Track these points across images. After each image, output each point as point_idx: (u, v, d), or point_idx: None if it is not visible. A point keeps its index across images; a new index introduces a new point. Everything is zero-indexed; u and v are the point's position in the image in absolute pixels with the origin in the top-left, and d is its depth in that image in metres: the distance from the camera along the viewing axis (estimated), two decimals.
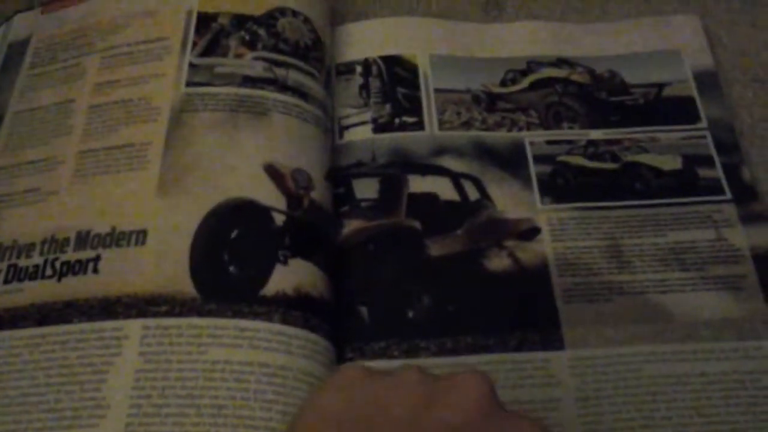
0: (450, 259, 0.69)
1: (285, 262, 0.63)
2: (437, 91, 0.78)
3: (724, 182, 0.72)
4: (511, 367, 0.63)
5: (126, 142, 0.69)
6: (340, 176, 0.73)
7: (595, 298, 0.66)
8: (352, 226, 0.70)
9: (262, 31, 0.75)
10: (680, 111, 0.77)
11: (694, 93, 0.77)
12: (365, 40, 0.82)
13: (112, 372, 0.58)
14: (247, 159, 0.67)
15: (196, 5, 0.77)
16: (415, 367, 0.44)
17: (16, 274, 0.64)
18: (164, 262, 0.62)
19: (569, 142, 0.75)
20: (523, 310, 0.66)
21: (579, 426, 0.60)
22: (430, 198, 0.72)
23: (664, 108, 0.77)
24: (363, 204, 0.72)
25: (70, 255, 0.64)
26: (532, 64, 0.80)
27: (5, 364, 0.60)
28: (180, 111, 0.70)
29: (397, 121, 0.76)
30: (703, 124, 0.75)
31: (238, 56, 0.74)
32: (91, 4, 0.81)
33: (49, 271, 0.64)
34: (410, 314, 0.66)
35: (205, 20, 0.76)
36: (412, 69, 0.80)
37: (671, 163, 0.73)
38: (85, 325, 0.60)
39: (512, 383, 0.62)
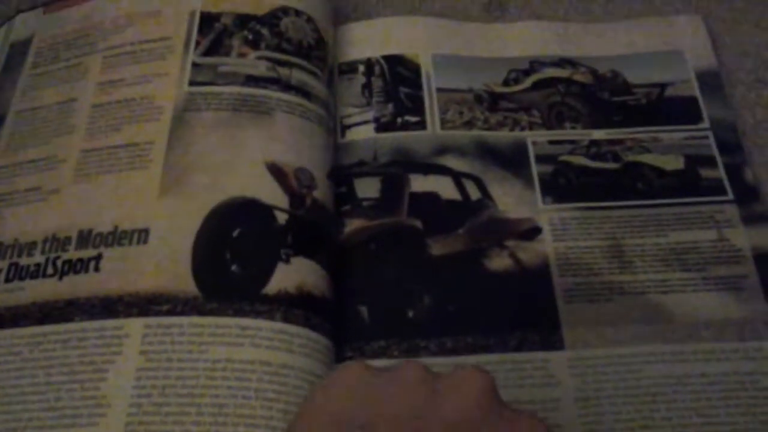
0: (451, 258, 0.69)
1: (287, 261, 0.63)
2: (439, 90, 0.78)
3: (726, 183, 0.72)
4: (511, 367, 0.63)
5: (128, 142, 0.70)
6: (341, 175, 0.73)
7: (595, 298, 0.66)
8: (353, 225, 0.70)
9: (265, 31, 0.75)
10: (683, 111, 0.76)
11: (697, 93, 0.77)
12: (368, 39, 0.82)
13: (113, 371, 0.58)
14: (250, 158, 0.67)
15: (199, 5, 0.77)
16: (415, 363, 0.44)
17: (18, 273, 0.64)
18: (166, 261, 0.62)
19: (571, 142, 0.75)
20: (524, 310, 0.66)
21: (579, 426, 0.60)
22: (432, 197, 0.72)
23: (667, 108, 0.77)
24: (365, 203, 0.72)
25: (72, 254, 0.64)
26: (535, 64, 0.80)
27: (6, 362, 0.60)
28: (183, 110, 0.70)
29: (399, 120, 0.76)
30: (706, 124, 0.75)
31: (241, 56, 0.74)
32: (93, 4, 0.81)
33: (50, 270, 0.64)
34: (410, 314, 0.66)
35: (208, 20, 0.76)
36: (414, 68, 0.80)
37: (673, 163, 0.73)
38: (86, 324, 0.60)
39: (512, 383, 0.62)
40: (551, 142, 0.75)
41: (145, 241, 0.63)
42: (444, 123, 0.76)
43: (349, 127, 0.77)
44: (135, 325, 0.60)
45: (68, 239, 0.65)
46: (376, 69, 0.80)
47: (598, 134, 0.75)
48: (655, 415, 0.60)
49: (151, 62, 0.75)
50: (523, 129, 0.76)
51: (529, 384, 0.62)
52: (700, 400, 0.61)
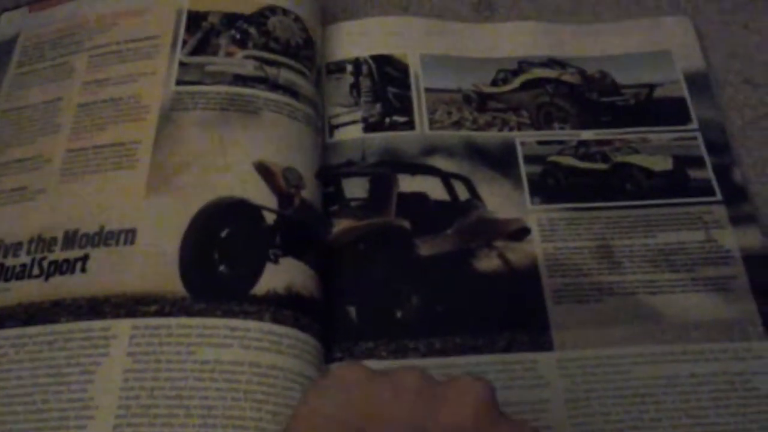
0: (439, 259, 0.68)
1: (276, 261, 0.62)
2: (428, 90, 0.78)
3: (715, 183, 0.72)
4: (500, 368, 0.63)
5: (115, 141, 0.69)
6: (330, 175, 0.72)
7: (584, 299, 0.66)
8: (341, 225, 0.70)
9: (252, 30, 0.75)
10: (671, 112, 0.77)
11: (685, 94, 0.77)
12: (356, 39, 0.82)
13: (100, 372, 0.57)
14: (238, 158, 0.67)
15: (187, 4, 0.77)
16: (415, 369, 0.44)
17: (3, 274, 0.64)
18: (154, 262, 0.62)
19: (560, 142, 0.75)
20: (513, 311, 0.66)
21: (568, 427, 0.60)
22: (420, 198, 0.72)
23: (655, 109, 0.77)
24: (353, 203, 0.71)
25: (58, 254, 0.64)
26: (524, 65, 0.80)
27: None
28: (170, 109, 0.70)
29: (387, 120, 0.76)
30: (694, 125, 0.75)
31: (229, 55, 0.73)
32: (78, 2, 0.81)
33: (36, 271, 0.63)
34: (399, 314, 0.66)
35: (195, 19, 0.76)
36: (402, 68, 0.79)
37: (662, 163, 0.73)
38: (73, 325, 0.60)
39: (501, 384, 0.62)
40: (540, 143, 0.75)
41: (132, 242, 0.63)
42: (432, 123, 0.76)
43: (337, 126, 0.76)
44: (122, 326, 0.59)
45: (54, 240, 0.64)
46: (364, 69, 0.79)
47: (587, 135, 0.75)
48: (645, 416, 0.60)
49: (137, 61, 0.74)
50: (511, 129, 0.76)
51: (519, 385, 0.62)
52: (689, 400, 0.61)
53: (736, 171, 0.72)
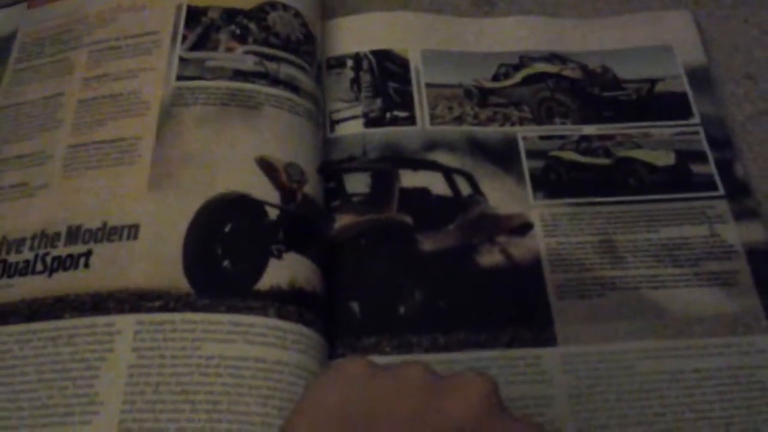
0: (442, 254, 0.68)
1: (279, 257, 0.62)
2: (429, 85, 0.78)
3: (717, 178, 0.72)
4: (503, 364, 0.63)
5: (116, 137, 0.69)
6: (331, 170, 0.72)
7: (587, 294, 0.66)
8: (343, 220, 0.70)
9: (252, 25, 0.75)
10: (673, 106, 0.77)
11: (687, 89, 0.77)
12: (356, 34, 0.82)
13: (105, 368, 0.57)
14: (240, 153, 0.67)
15: None
16: (418, 363, 0.44)
17: (6, 270, 0.64)
18: (157, 257, 0.62)
19: (562, 137, 0.75)
20: (516, 306, 0.66)
21: (572, 423, 0.60)
22: (422, 193, 0.72)
23: (657, 103, 0.77)
24: (354, 198, 0.71)
25: (61, 250, 0.64)
26: (525, 59, 0.80)
27: None
28: (170, 105, 0.70)
29: (388, 115, 0.76)
30: (696, 119, 0.75)
31: (229, 50, 0.73)
32: None
33: (39, 267, 0.63)
34: (402, 310, 0.65)
35: (194, 14, 0.76)
36: (403, 63, 0.79)
37: (664, 158, 0.73)
38: (77, 321, 0.60)
39: (504, 380, 0.62)
40: (541, 138, 0.75)
41: (135, 237, 0.63)
42: (433, 118, 0.76)
43: (338, 122, 0.76)
44: (126, 321, 0.59)
45: (57, 235, 0.64)
46: (365, 64, 0.79)
47: (589, 129, 0.75)
48: (648, 411, 0.60)
49: (137, 57, 0.74)
50: (513, 124, 0.76)
51: (522, 380, 0.62)
52: (693, 395, 0.61)
53: (738, 166, 0.72)
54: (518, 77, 0.79)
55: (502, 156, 0.74)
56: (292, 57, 0.74)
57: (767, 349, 0.63)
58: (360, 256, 0.68)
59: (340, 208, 0.70)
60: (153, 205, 0.64)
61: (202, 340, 0.58)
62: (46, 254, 0.64)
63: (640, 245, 0.68)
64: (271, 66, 0.73)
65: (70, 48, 0.77)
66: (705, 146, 0.74)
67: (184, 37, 0.74)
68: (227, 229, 0.64)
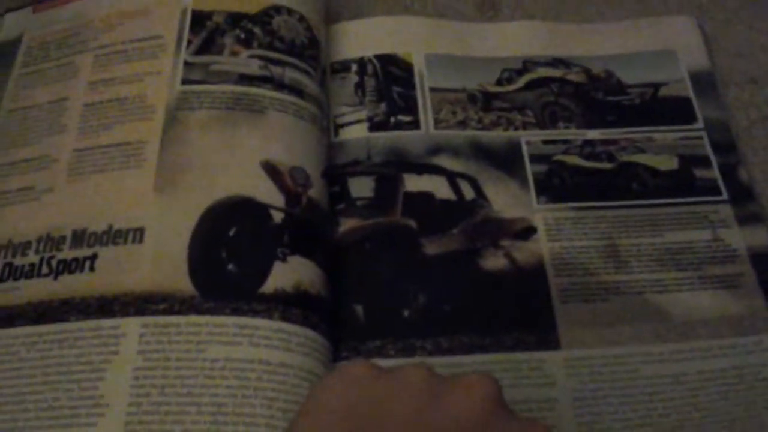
0: (446, 258, 0.68)
1: (284, 260, 0.62)
2: (433, 90, 0.78)
3: (721, 183, 0.72)
4: (506, 367, 0.63)
5: (121, 141, 0.69)
6: (335, 174, 0.72)
7: (591, 298, 0.66)
8: (347, 224, 0.70)
9: (257, 29, 0.75)
10: (676, 111, 0.77)
11: (691, 93, 0.77)
12: (360, 38, 0.82)
13: (111, 370, 0.57)
14: (245, 157, 0.67)
15: (191, 3, 0.77)
16: (422, 365, 0.44)
17: (12, 273, 0.64)
18: (162, 260, 0.62)
19: (565, 141, 0.75)
20: (519, 310, 0.66)
21: (575, 426, 0.60)
22: (426, 197, 0.72)
23: (661, 108, 0.77)
24: (358, 203, 0.71)
25: (67, 253, 0.64)
26: (528, 64, 0.80)
27: (2, 362, 0.59)
28: (175, 109, 0.70)
29: (392, 119, 0.76)
30: (700, 124, 0.75)
31: (234, 54, 0.73)
32: (83, 2, 0.81)
33: (45, 270, 0.63)
34: (406, 313, 0.66)
35: (199, 18, 0.76)
36: (407, 68, 0.79)
37: (668, 163, 0.73)
38: (82, 324, 0.60)
39: (508, 383, 0.61)
40: (545, 142, 0.75)
41: (141, 241, 0.63)
42: (437, 123, 0.76)
43: (342, 126, 0.76)
44: (132, 324, 0.59)
45: (63, 239, 0.64)
46: (369, 68, 0.79)
47: (592, 134, 0.75)
48: (653, 413, 0.60)
49: (142, 61, 0.74)
50: (516, 129, 0.76)
51: (525, 384, 0.62)
52: (698, 395, 0.61)
53: (742, 170, 0.73)
54: (522, 82, 0.79)
55: (506, 160, 0.74)
56: (296, 61, 0.74)
57: None
58: (364, 259, 0.68)
59: (344, 212, 0.71)
60: (158, 209, 0.65)
61: (207, 342, 0.58)
62: (52, 257, 0.64)
63: (643, 249, 0.68)
64: (276, 70, 0.73)
65: (76, 52, 0.77)
66: (708, 151, 0.74)
67: (189, 42, 0.74)
68: (232, 232, 0.64)
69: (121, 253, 0.63)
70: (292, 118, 0.70)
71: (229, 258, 0.63)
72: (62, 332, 0.60)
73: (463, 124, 0.76)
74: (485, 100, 0.78)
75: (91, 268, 0.63)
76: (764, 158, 0.74)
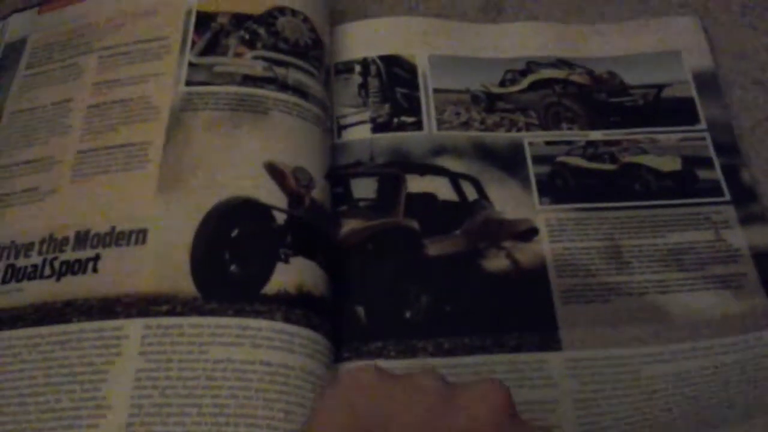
0: (448, 259, 0.69)
1: (286, 261, 0.63)
2: (436, 91, 0.78)
3: (724, 184, 0.72)
4: (508, 368, 0.63)
5: (125, 142, 0.69)
6: (338, 175, 0.72)
7: (593, 299, 0.66)
8: (350, 225, 0.70)
9: (261, 31, 0.75)
10: (680, 112, 0.77)
11: (694, 94, 0.77)
12: (364, 39, 0.82)
13: (113, 372, 0.57)
14: (248, 158, 0.67)
15: (195, 4, 0.77)
16: (432, 372, 0.44)
17: (15, 274, 0.64)
18: (165, 262, 0.62)
19: (568, 142, 0.75)
20: (521, 311, 0.66)
21: (577, 427, 0.60)
22: (429, 198, 0.72)
23: (664, 109, 0.77)
24: (361, 203, 0.72)
25: (70, 254, 0.64)
26: (532, 65, 0.80)
27: (4, 364, 0.59)
28: (180, 110, 0.70)
29: (395, 120, 0.76)
30: (703, 125, 0.75)
31: (238, 55, 0.74)
32: (87, 4, 0.81)
33: (48, 271, 0.63)
34: (408, 314, 0.66)
35: (204, 19, 0.76)
36: (411, 69, 0.79)
37: (670, 164, 0.73)
38: (85, 325, 0.60)
39: (510, 384, 0.60)
40: (548, 143, 0.75)
41: (144, 242, 0.63)
42: (441, 123, 0.76)
43: (346, 127, 0.76)
44: (134, 325, 0.59)
45: (66, 240, 0.65)
46: (373, 69, 0.80)
47: (595, 135, 0.75)
48: (654, 413, 0.60)
49: (147, 62, 0.74)
50: (519, 130, 0.76)
51: (527, 385, 0.62)
52: (699, 392, 0.61)
53: (744, 172, 0.73)
54: (525, 83, 0.79)
55: (509, 161, 0.74)
56: (300, 62, 0.74)
57: None
58: (366, 260, 0.68)
59: (347, 213, 0.71)
60: (161, 210, 0.65)
61: (210, 344, 0.58)
62: (55, 258, 0.64)
63: (645, 250, 0.68)
64: (280, 71, 0.73)
65: (80, 53, 0.77)
66: (711, 152, 0.74)
67: (194, 43, 0.75)
68: (235, 233, 0.64)
69: (124, 255, 0.63)
70: (296, 119, 0.70)
71: (231, 259, 0.63)
72: (64, 334, 0.60)
73: (466, 125, 0.76)
74: (488, 101, 0.78)
75: (94, 270, 0.63)
76: (767, 159, 0.74)
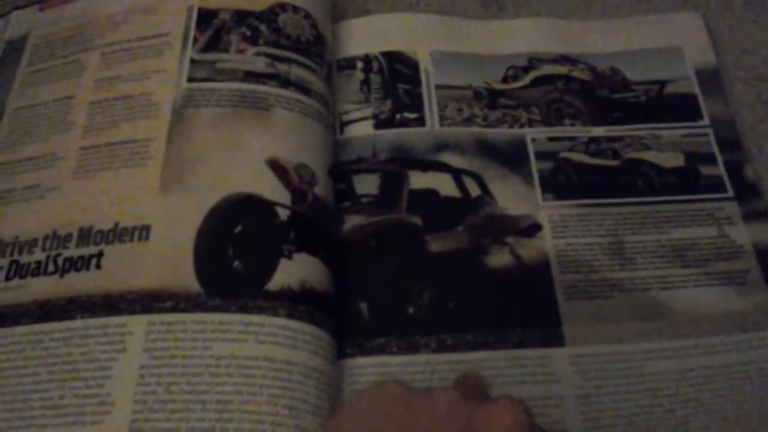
0: (451, 255, 0.69)
1: (290, 257, 0.63)
2: (438, 87, 0.78)
3: (726, 180, 0.72)
4: (511, 364, 0.63)
5: (128, 138, 0.69)
6: (340, 172, 0.72)
7: (596, 295, 0.66)
8: (352, 221, 0.70)
9: (263, 27, 0.75)
10: (682, 108, 0.77)
11: (697, 90, 0.77)
12: (366, 35, 0.82)
13: (117, 368, 0.57)
14: (251, 154, 0.67)
15: (197, 1, 0.77)
16: (452, 392, 0.44)
17: (18, 271, 0.64)
18: (168, 258, 0.62)
19: (571, 138, 0.75)
20: (524, 307, 0.66)
21: (580, 423, 0.60)
22: (431, 194, 0.72)
23: (667, 105, 0.77)
24: (364, 200, 0.72)
25: (73, 251, 0.64)
26: (534, 61, 0.80)
27: (8, 360, 0.59)
28: (182, 106, 0.70)
29: (398, 117, 0.76)
30: (706, 121, 0.75)
31: (240, 52, 0.73)
32: (89, 0, 0.81)
33: (51, 268, 0.64)
34: (410, 310, 0.66)
35: (206, 16, 0.76)
36: (413, 65, 0.79)
37: (673, 160, 0.73)
38: (89, 322, 0.60)
39: (513, 380, 0.62)
40: (551, 139, 0.75)
41: (147, 238, 0.63)
42: (443, 120, 0.76)
43: (348, 123, 0.76)
44: (138, 322, 0.59)
45: (69, 236, 0.65)
46: (375, 65, 0.79)
47: (598, 131, 0.75)
48: (657, 410, 0.60)
49: (148, 59, 0.74)
50: (522, 126, 0.76)
51: (531, 381, 0.62)
52: (703, 391, 0.61)
53: (747, 168, 0.73)
54: (527, 79, 0.79)
55: (511, 157, 0.74)
56: (302, 58, 0.74)
57: None
58: (369, 256, 0.68)
59: (349, 209, 0.71)
60: (164, 207, 0.65)
61: (213, 340, 0.58)
62: (58, 255, 0.64)
63: (648, 246, 0.68)
64: (282, 67, 0.73)
65: (82, 50, 0.77)
66: (714, 148, 0.74)
67: (195, 39, 0.75)
68: (238, 229, 0.64)
69: (127, 251, 0.63)
70: (298, 115, 0.70)
71: (235, 255, 0.63)
72: (68, 330, 0.60)
73: (468, 121, 0.76)
74: (491, 98, 0.78)
75: (98, 266, 0.63)
76: None
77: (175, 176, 0.66)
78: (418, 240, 0.69)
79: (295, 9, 0.77)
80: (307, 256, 0.63)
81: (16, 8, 0.84)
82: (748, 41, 0.81)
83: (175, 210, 0.64)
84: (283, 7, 0.77)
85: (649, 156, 0.73)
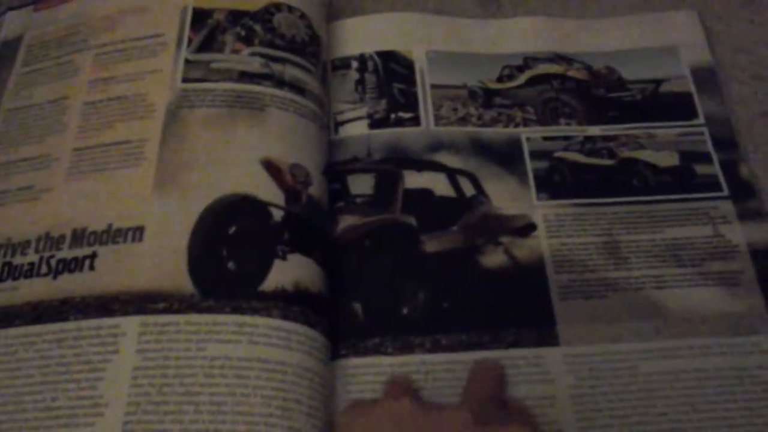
0: (445, 255, 0.69)
1: (284, 258, 0.62)
2: (433, 86, 0.78)
3: (722, 179, 0.72)
4: (506, 364, 0.63)
5: (122, 139, 0.69)
6: (335, 172, 0.72)
7: (591, 295, 0.66)
8: (347, 221, 0.70)
9: (258, 27, 0.75)
10: (678, 107, 0.77)
11: (692, 89, 0.77)
12: (361, 35, 0.82)
13: (110, 370, 0.57)
14: (245, 154, 0.67)
15: (192, 1, 0.77)
16: (465, 410, 0.44)
17: (11, 273, 0.64)
18: (162, 259, 0.62)
19: (566, 138, 0.75)
20: (519, 307, 0.66)
21: (574, 423, 0.60)
22: (426, 194, 0.72)
23: (662, 104, 0.77)
24: (358, 200, 0.71)
25: (66, 252, 0.64)
26: (529, 60, 0.80)
27: (0, 362, 0.59)
28: (176, 107, 0.70)
29: (392, 116, 0.76)
30: (701, 120, 0.75)
31: (235, 52, 0.73)
32: (83, 1, 0.81)
33: (44, 269, 0.63)
34: (405, 310, 0.66)
35: (200, 16, 0.76)
36: (408, 64, 0.79)
37: (668, 159, 0.73)
38: (82, 323, 0.60)
39: (507, 380, 0.62)
40: (546, 138, 0.75)
41: (140, 239, 0.63)
42: (438, 119, 0.76)
43: (342, 123, 0.76)
44: (131, 323, 0.59)
45: (62, 238, 0.65)
46: (370, 65, 0.79)
47: (593, 130, 0.75)
48: (651, 411, 0.60)
49: (143, 59, 0.74)
50: (517, 125, 0.76)
51: (525, 381, 0.62)
52: (696, 395, 0.61)
53: (743, 167, 0.72)
54: (523, 78, 0.79)
55: (506, 157, 0.74)
56: (297, 58, 0.74)
57: None
58: (364, 257, 0.68)
59: (344, 209, 0.71)
60: (158, 207, 0.65)
61: (207, 341, 0.58)
62: (51, 257, 0.64)
63: (643, 246, 0.68)
64: (277, 67, 0.73)
65: (76, 51, 0.77)
66: (709, 147, 0.74)
67: (190, 39, 0.74)
68: (232, 230, 0.64)
69: (120, 252, 0.63)
70: (293, 115, 0.70)
71: (229, 256, 0.63)
72: (61, 332, 0.60)
73: (463, 120, 0.76)
74: (486, 97, 0.78)
75: (91, 268, 0.63)
76: (765, 154, 0.74)
77: (169, 177, 0.66)
78: (412, 240, 0.69)
79: (290, 9, 0.77)
80: (301, 256, 0.63)
81: (11, 9, 0.84)
82: (744, 40, 0.81)
83: (169, 211, 0.64)
84: (278, 7, 0.77)
85: (644, 155, 0.73)
